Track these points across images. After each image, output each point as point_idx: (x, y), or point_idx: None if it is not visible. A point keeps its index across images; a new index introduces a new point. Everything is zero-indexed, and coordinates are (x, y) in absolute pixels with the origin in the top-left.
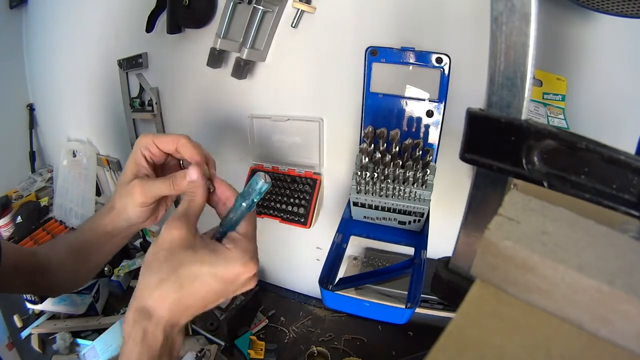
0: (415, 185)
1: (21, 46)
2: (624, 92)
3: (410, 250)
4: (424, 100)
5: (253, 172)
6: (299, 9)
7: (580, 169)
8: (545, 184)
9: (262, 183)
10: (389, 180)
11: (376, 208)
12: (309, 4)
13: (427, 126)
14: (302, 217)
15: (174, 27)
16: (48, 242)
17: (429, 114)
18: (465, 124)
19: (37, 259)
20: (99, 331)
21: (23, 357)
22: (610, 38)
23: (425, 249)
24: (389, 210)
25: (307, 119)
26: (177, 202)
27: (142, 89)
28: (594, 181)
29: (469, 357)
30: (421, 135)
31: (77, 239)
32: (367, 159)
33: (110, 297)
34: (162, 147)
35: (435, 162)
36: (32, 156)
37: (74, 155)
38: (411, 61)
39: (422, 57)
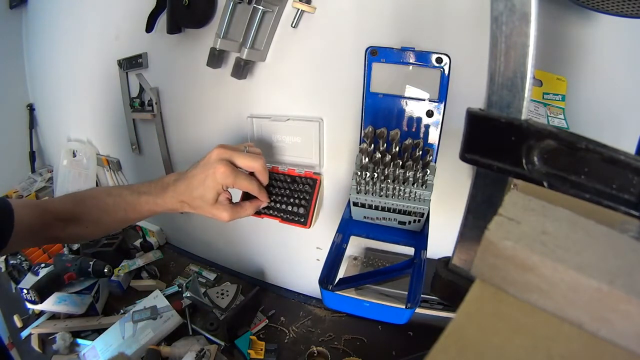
0: (415, 185)
1: (21, 46)
2: (624, 92)
3: (410, 250)
4: (424, 100)
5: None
6: (299, 9)
7: (580, 169)
8: (545, 184)
9: None
10: (389, 180)
11: (376, 208)
12: (309, 4)
13: (427, 126)
14: (302, 217)
15: (174, 27)
16: (70, 196)
17: (429, 114)
18: (465, 124)
19: (53, 214)
20: (99, 331)
21: (23, 357)
22: (610, 38)
23: (425, 249)
24: (389, 210)
25: (307, 119)
26: None
27: (142, 89)
28: (594, 181)
29: (469, 357)
30: (421, 135)
31: (116, 210)
32: (367, 159)
33: (110, 297)
34: (239, 188)
35: (435, 162)
36: (32, 156)
37: (74, 155)
38: (411, 61)
39: (422, 57)
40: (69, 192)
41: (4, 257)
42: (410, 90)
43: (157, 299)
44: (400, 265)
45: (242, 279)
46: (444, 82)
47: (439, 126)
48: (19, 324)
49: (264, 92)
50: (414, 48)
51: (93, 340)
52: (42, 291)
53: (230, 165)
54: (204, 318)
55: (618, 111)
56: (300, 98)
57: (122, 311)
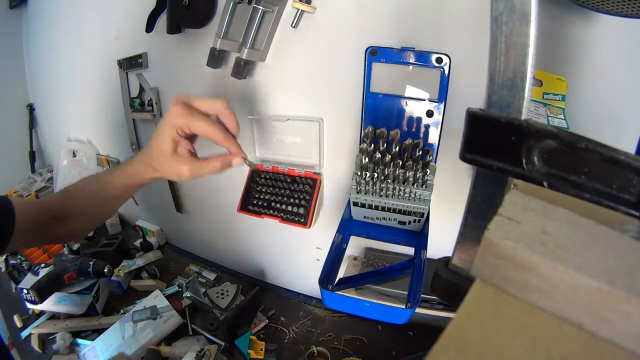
0: (415, 185)
1: (21, 46)
2: (624, 92)
3: (410, 250)
4: (424, 100)
5: (253, 173)
6: (299, 9)
7: (580, 169)
8: (545, 184)
9: None
10: (389, 180)
11: (376, 208)
12: (309, 4)
13: (427, 126)
14: (302, 217)
15: (174, 27)
16: (61, 192)
17: (429, 114)
18: (465, 124)
19: (52, 212)
20: (99, 331)
21: (23, 357)
22: (610, 38)
23: (425, 249)
24: (389, 210)
25: (307, 119)
26: None
27: (142, 89)
28: (594, 181)
29: (469, 357)
30: (421, 135)
31: (98, 193)
32: (367, 159)
33: (110, 297)
34: (196, 131)
35: (435, 162)
36: (32, 156)
37: (74, 155)
38: (411, 61)
39: (422, 57)
40: None
41: (4, 257)
42: (410, 90)
43: (157, 299)
44: (400, 265)
45: (242, 279)
46: (444, 82)
47: (439, 126)
48: (19, 324)
49: (264, 92)
50: (414, 48)
51: (93, 340)
52: (42, 291)
53: (185, 105)
54: (204, 318)
55: (618, 111)
56: (300, 98)
57: (122, 311)
